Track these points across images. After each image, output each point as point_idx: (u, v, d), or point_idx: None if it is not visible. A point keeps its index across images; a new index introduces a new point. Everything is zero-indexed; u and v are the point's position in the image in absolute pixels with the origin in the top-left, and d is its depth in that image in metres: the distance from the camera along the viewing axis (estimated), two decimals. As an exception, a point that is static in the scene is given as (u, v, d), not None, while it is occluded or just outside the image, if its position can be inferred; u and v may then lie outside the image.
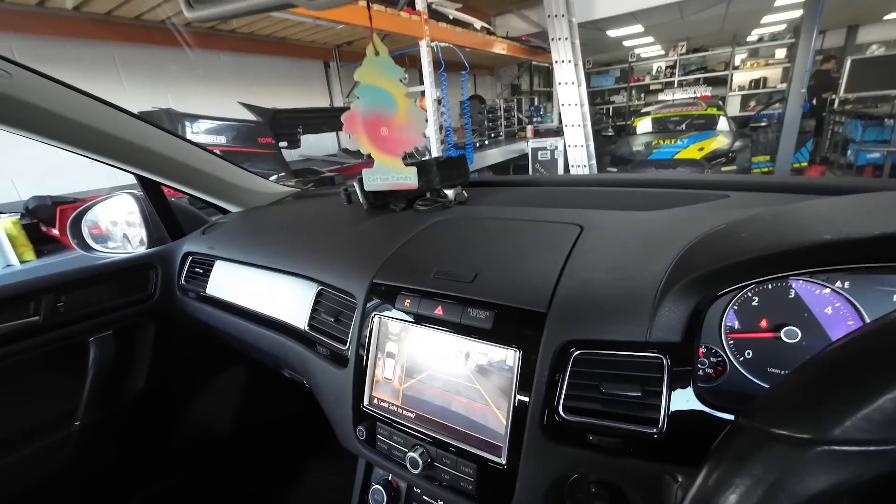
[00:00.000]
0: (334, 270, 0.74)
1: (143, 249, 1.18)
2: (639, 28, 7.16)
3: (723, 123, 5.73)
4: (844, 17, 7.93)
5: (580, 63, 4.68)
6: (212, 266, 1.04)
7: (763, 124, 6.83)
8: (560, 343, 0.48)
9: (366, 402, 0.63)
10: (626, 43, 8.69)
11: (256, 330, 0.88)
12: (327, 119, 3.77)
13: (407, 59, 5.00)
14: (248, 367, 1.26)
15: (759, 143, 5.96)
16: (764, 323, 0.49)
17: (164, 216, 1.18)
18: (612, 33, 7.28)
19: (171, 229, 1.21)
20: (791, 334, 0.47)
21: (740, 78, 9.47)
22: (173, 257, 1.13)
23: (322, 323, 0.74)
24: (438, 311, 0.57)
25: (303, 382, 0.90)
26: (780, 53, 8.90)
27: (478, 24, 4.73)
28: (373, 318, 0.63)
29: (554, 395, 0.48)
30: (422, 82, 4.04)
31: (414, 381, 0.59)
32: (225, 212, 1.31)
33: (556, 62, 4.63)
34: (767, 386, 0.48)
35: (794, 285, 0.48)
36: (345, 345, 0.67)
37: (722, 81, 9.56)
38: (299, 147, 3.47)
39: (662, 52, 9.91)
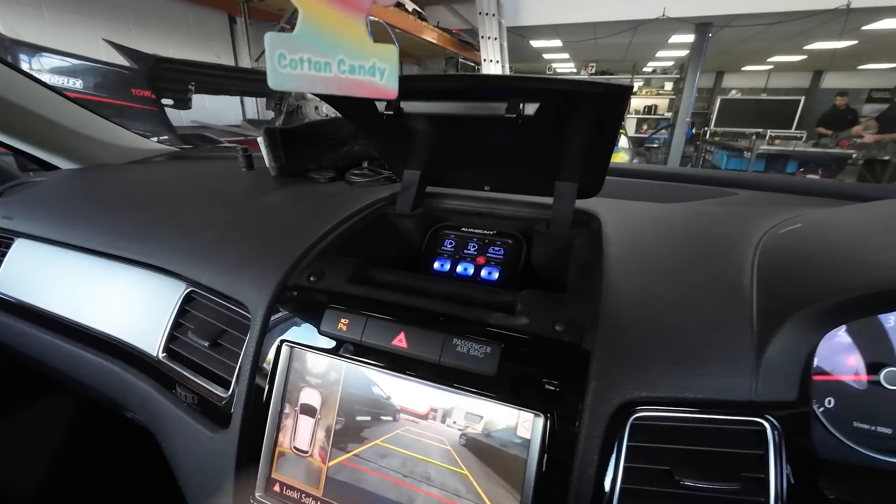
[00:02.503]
0: (216, 263, 0.46)
1: None
2: (558, 43, 7.56)
3: (623, 141, 6.27)
4: (715, 64, 9.41)
5: (507, 66, 4.71)
6: (8, 247, 0.66)
7: (655, 146, 7.87)
8: (618, 403, 0.29)
9: (259, 491, 0.37)
10: (546, 56, 9.15)
11: (76, 353, 0.55)
12: (231, 79, 3.16)
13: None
14: (76, 399, 0.86)
15: (651, 161, 6.72)
16: (852, 362, 0.36)
17: (-75, 164, 0.74)
18: (535, 43, 7.58)
19: (-59, 186, 0.77)
20: (893, 378, 0.35)
21: (636, 103, 10.61)
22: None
23: (189, 349, 0.45)
24: (399, 342, 0.34)
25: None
26: (668, 86, 10.20)
27: (410, 5, 4.47)
28: (280, 347, 0.38)
29: (601, 490, 0.28)
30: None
31: (348, 457, 0.35)
32: (51, 168, 0.89)
33: (485, 60, 4.60)
34: (857, 447, 0.35)
35: (892, 316, 0.36)
36: (227, 389, 0.40)
37: (622, 104, 10.62)
38: (189, 108, 2.84)
39: (575, 70, 10.67)
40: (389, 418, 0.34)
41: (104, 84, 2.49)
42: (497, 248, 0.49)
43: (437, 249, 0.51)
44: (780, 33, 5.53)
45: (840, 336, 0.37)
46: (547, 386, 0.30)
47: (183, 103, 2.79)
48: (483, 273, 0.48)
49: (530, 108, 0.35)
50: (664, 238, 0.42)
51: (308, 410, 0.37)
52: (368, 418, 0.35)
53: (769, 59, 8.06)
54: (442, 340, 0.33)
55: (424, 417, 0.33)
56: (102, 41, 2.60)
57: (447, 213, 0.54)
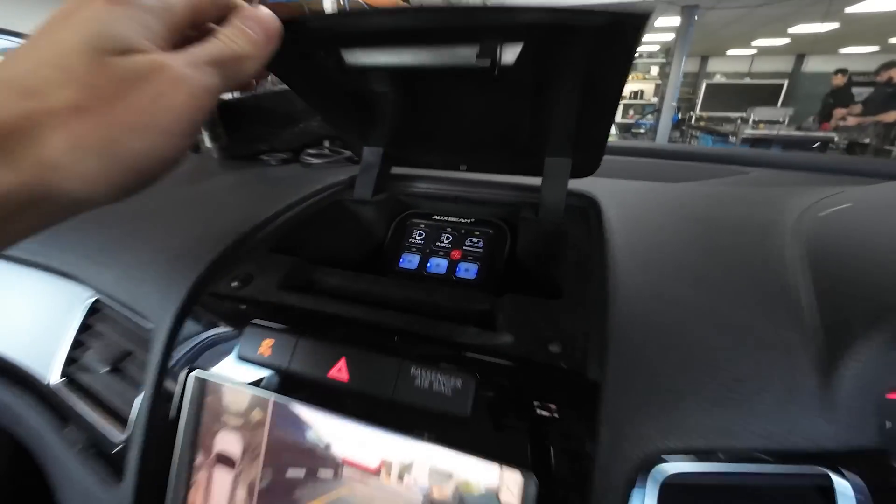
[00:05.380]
0: (121, 263, 0.37)
1: None
2: (545, 26, 7.42)
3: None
4: (700, 49, 9.40)
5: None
6: None
7: (642, 131, 7.87)
8: (640, 459, 0.21)
9: (164, 567, 0.28)
10: (532, 40, 8.99)
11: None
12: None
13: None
14: None
15: (637, 147, 6.70)
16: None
17: None
18: (521, 26, 7.44)
19: None
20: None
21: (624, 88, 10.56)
22: None
23: (91, 374, 0.36)
24: (338, 371, 0.25)
25: None
26: (654, 71, 10.16)
27: (388, -17, 4.27)
28: (186, 376, 0.29)
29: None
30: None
31: (278, 524, 0.26)
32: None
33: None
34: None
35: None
36: (123, 429, 0.31)
37: (609, 89, 10.51)
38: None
39: (561, 55, 10.53)
40: (329, 474, 0.25)
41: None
42: (475, 240, 0.41)
43: (404, 242, 0.42)
44: (764, 16, 5.50)
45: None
46: (540, 433, 0.22)
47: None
48: (459, 270, 0.39)
49: (509, 55, 0.26)
50: (678, 224, 0.34)
51: (225, 461, 0.28)
52: (302, 473, 0.26)
53: (753, 43, 8.05)
54: (396, 369, 0.24)
55: (375, 473, 0.25)
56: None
57: (416, 198, 0.45)
